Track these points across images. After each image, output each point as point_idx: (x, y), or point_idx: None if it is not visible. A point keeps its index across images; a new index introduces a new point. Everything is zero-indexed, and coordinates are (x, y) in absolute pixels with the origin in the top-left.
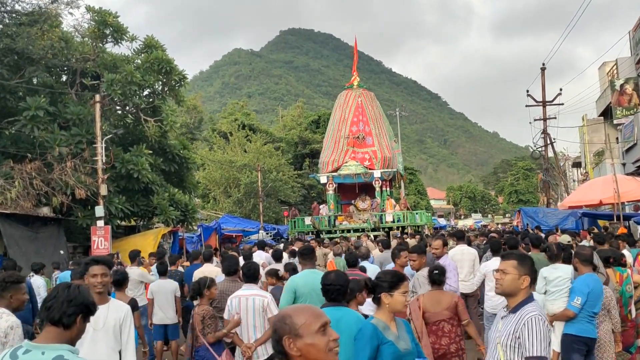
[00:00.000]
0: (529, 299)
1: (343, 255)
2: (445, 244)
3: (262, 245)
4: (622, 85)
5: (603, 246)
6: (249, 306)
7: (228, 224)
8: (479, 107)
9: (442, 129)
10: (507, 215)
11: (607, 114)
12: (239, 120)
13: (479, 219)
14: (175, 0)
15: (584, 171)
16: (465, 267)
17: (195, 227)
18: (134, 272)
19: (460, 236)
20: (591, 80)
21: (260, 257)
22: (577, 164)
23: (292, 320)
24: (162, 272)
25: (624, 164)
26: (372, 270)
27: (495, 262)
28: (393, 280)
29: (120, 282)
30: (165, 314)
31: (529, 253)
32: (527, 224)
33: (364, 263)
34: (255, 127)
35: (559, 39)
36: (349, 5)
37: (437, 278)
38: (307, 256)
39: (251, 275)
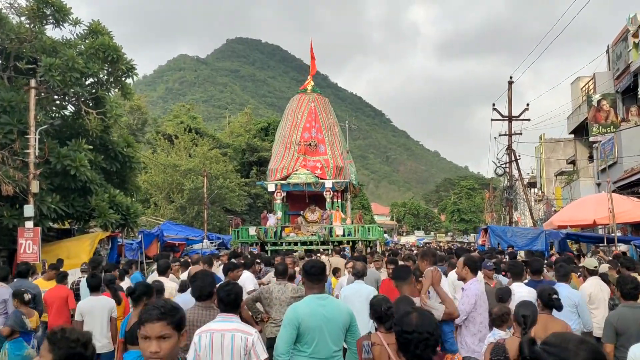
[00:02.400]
0: None
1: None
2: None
3: (250, 264)
4: (599, 101)
5: (635, 272)
6: (226, 346)
7: (170, 231)
8: (421, 126)
9: (385, 145)
10: (449, 233)
11: (579, 131)
12: (185, 123)
13: (422, 236)
14: (120, 1)
15: (540, 192)
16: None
17: (136, 234)
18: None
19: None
20: (548, 101)
21: (249, 281)
22: (531, 184)
23: None
24: (95, 287)
25: (598, 184)
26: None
27: (519, 287)
28: None
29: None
30: (96, 339)
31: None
32: (498, 244)
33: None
34: (202, 131)
35: (528, 56)
36: (297, 18)
37: (558, 303)
38: (315, 277)
39: (231, 302)
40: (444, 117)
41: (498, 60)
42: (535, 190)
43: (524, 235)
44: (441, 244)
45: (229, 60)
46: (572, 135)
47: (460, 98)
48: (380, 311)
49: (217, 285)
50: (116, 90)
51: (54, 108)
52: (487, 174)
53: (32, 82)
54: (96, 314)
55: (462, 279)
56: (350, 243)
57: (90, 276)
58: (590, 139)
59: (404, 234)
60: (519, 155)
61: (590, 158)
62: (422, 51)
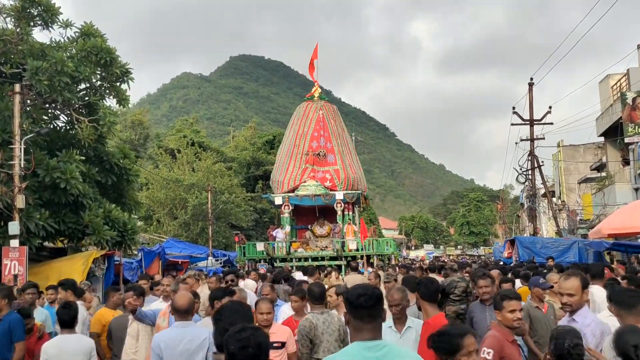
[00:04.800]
0: None
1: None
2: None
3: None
4: (634, 99)
5: None
6: None
7: (173, 249)
8: (425, 140)
9: (390, 159)
10: (458, 246)
11: (610, 133)
12: (187, 137)
13: (431, 250)
14: (123, 19)
15: (560, 201)
16: None
17: (135, 252)
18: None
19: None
20: (567, 107)
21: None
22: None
23: None
24: (68, 322)
25: (636, 189)
26: None
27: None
28: None
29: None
30: None
31: None
32: (533, 257)
33: None
34: (206, 144)
35: (551, 55)
36: (299, 34)
37: None
38: (367, 311)
39: None
40: (447, 131)
41: (498, 74)
42: (554, 199)
43: (555, 247)
44: (451, 257)
45: (232, 78)
46: (602, 139)
47: (463, 112)
48: (563, 348)
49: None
50: (111, 97)
51: (44, 117)
52: (494, 186)
53: (17, 87)
54: (65, 356)
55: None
56: (365, 258)
57: (62, 306)
58: (626, 140)
59: (413, 248)
60: (542, 162)
61: (624, 161)
62: (423, 66)
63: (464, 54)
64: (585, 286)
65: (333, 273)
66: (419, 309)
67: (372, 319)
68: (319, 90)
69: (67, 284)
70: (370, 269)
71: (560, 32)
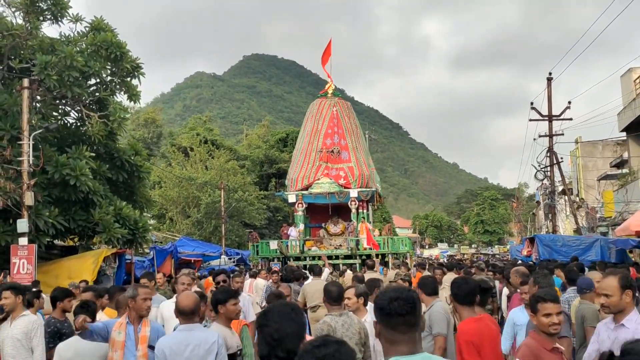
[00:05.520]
0: None
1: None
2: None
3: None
4: None
5: None
6: None
7: (186, 247)
8: (438, 139)
9: (403, 158)
10: (472, 245)
11: (633, 128)
12: (201, 135)
13: (445, 248)
14: (136, 20)
15: (578, 198)
16: None
17: (147, 250)
18: None
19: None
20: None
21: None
22: (564, 192)
23: None
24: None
25: None
26: None
27: None
28: None
29: None
30: None
31: None
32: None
33: None
34: (219, 143)
35: (568, 52)
36: (312, 33)
37: None
38: (402, 319)
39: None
40: (460, 129)
41: (510, 72)
42: (572, 197)
43: (576, 245)
44: (465, 256)
45: (245, 77)
46: (623, 134)
47: (475, 110)
48: None
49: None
50: (121, 92)
51: (54, 113)
52: (508, 185)
53: (26, 82)
54: None
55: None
56: (380, 256)
57: (79, 306)
58: None
59: (427, 246)
60: (562, 158)
61: None
62: (435, 64)
63: (476, 52)
64: (625, 286)
65: (345, 272)
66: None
67: (409, 329)
68: (333, 86)
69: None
70: (382, 268)
71: (572, 30)
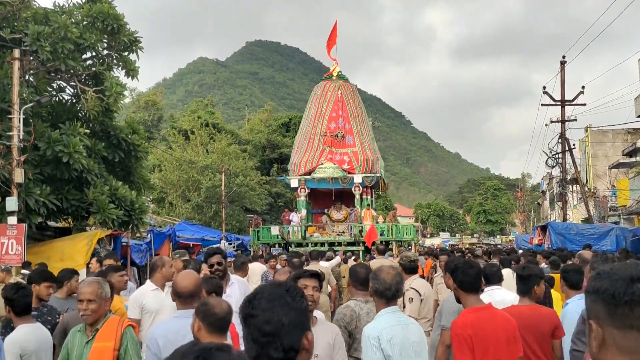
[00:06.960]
0: None
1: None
2: None
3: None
4: None
5: None
6: None
7: (185, 232)
8: (440, 128)
9: (405, 147)
10: (475, 235)
11: None
12: (202, 118)
13: (447, 238)
14: (139, 5)
15: (587, 187)
16: None
17: (144, 233)
18: None
19: None
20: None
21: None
22: (574, 180)
23: None
24: (24, 307)
25: None
26: None
27: None
28: None
29: None
30: None
31: None
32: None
33: None
34: (220, 126)
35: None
36: (315, 21)
37: None
38: None
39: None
40: (462, 119)
41: (512, 62)
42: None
43: (590, 233)
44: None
45: (248, 63)
46: (635, 123)
47: (477, 100)
48: None
49: None
50: (119, 68)
51: (48, 88)
52: (510, 175)
53: (16, 53)
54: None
55: None
56: (384, 243)
57: (11, 289)
58: None
59: (429, 235)
60: (574, 144)
61: None
62: (437, 54)
63: (478, 42)
64: None
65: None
66: (458, 301)
67: None
68: (338, 69)
69: None
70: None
71: (575, 20)
